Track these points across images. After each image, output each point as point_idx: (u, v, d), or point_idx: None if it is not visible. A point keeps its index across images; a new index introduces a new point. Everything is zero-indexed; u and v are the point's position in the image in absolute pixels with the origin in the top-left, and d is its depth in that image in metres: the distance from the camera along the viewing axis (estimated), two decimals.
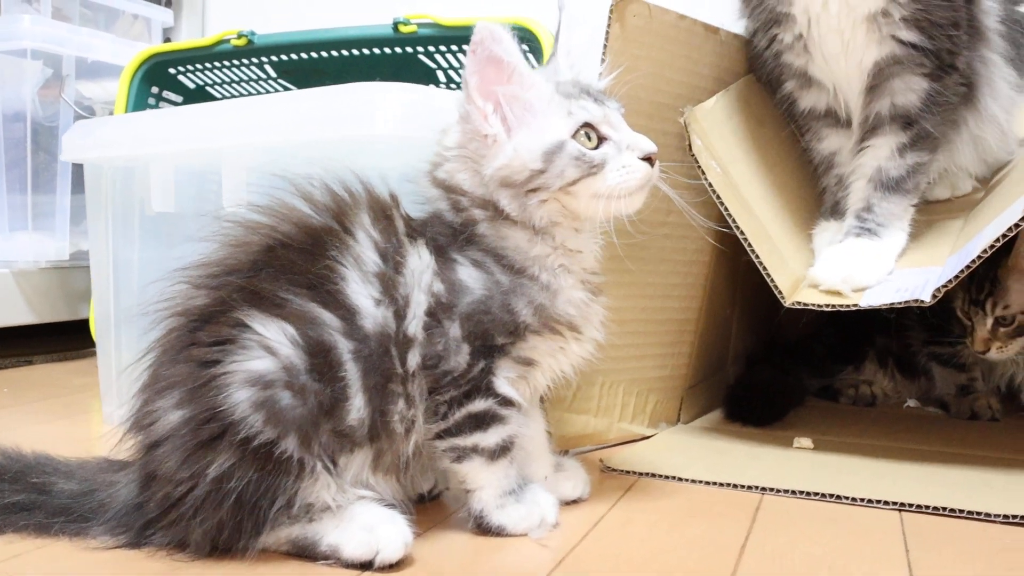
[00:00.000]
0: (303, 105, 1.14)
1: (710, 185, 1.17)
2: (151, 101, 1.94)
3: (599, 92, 0.96)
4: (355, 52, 1.83)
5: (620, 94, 1.16)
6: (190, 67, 1.94)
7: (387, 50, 1.80)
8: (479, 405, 0.90)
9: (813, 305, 1.14)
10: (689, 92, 1.27)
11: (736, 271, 1.49)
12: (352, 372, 0.86)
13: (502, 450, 0.92)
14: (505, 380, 0.92)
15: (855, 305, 1.12)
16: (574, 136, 0.91)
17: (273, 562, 0.86)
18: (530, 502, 0.94)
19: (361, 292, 0.87)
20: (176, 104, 1.99)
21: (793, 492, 1.07)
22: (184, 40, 2.25)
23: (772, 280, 1.15)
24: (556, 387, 1.22)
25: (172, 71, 1.95)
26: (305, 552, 0.86)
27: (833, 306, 1.13)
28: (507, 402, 0.92)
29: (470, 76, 0.90)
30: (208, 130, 1.18)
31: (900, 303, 1.08)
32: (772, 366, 1.48)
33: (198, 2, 2.34)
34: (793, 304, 1.15)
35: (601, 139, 0.92)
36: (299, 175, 0.94)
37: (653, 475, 1.15)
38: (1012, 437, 1.35)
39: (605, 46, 1.16)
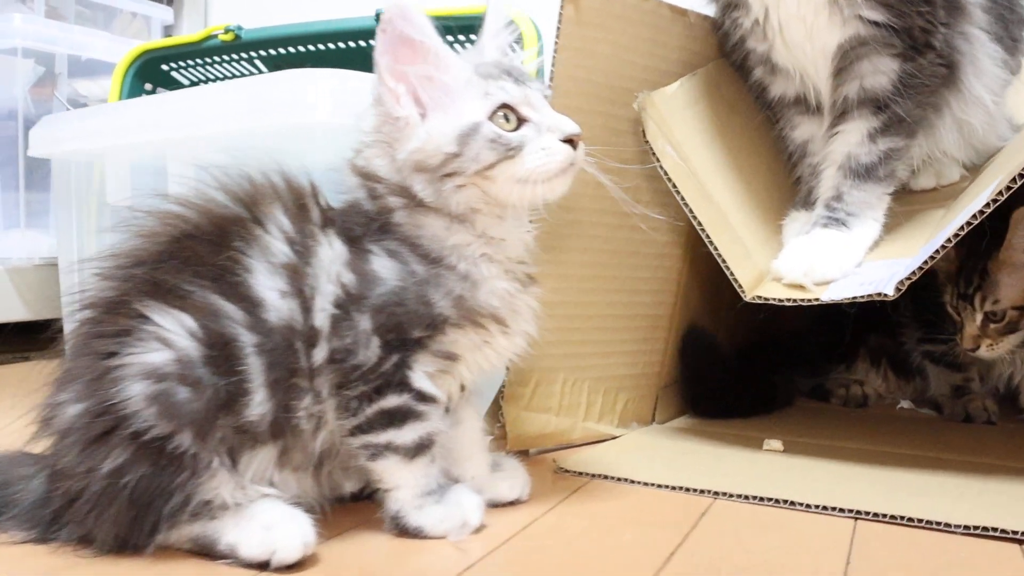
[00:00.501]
0: (242, 95, 1.11)
1: (665, 172, 1.11)
2: None
3: (522, 73, 0.91)
4: (341, 45, 1.80)
5: (575, 79, 1.11)
6: (182, 63, 1.93)
7: (370, 42, 1.77)
8: (392, 401, 0.86)
9: (773, 300, 1.08)
10: (655, 77, 1.22)
11: (716, 265, 1.43)
12: (254, 366, 0.82)
13: (420, 448, 0.88)
14: (423, 374, 0.87)
15: (816, 300, 1.05)
16: (491, 118, 0.86)
17: (176, 560, 0.83)
18: (452, 503, 0.89)
19: (267, 284, 0.84)
20: None
21: (745, 497, 1.01)
22: None
23: (731, 273, 1.09)
24: (512, 384, 1.18)
25: (165, 67, 1.95)
26: (206, 550, 0.82)
27: (794, 300, 1.07)
28: (425, 397, 0.87)
29: (380, 56, 0.86)
30: (155, 122, 1.16)
31: (863, 297, 1.02)
32: (751, 362, 1.41)
33: (200, 1, 2.34)
34: (753, 299, 1.09)
35: (521, 121, 0.88)
36: (225, 165, 0.91)
37: (606, 477, 1.10)
38: (1004, 442, 1.27)
39: (558, 29, 1.11)
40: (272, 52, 1.87)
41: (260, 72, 1.94)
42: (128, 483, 0.79)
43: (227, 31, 1.82)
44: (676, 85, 1.19)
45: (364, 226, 0.88)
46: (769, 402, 1.40)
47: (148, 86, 1.94)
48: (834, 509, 0.96)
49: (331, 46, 1.81)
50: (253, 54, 1.89)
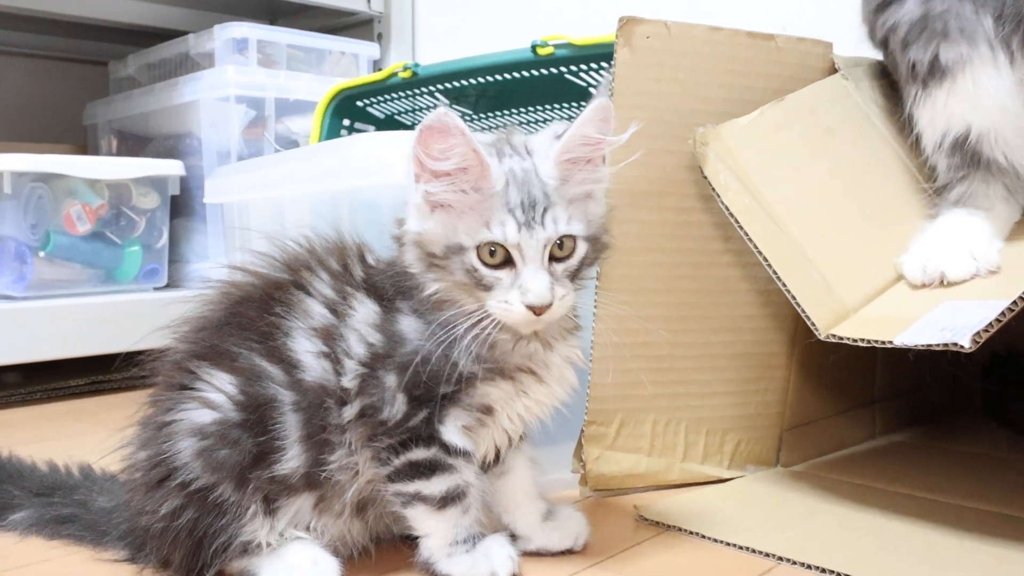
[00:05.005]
0: (330, 157, 1.20)
1: (726, 207, 1.06)
2: (343, 132, 2.11)
3: (543, 209, 0.87)
4: (507, 76, 1.86)
5: (639, 121, 1.09)
6: (372, 99, 2.08)
7: (530, 72, 1.81)
8: (420, 454, 0.90)
9: (848, 339, 0.99)
10: (737, 108, 1.14)
11: None
12: (290, 422, 0.90)
13: (449, 499, 0.91)
14: (455, 428, 0.91)
15: (889, 342, 0.95)
16: (478, 248, 0.87)
17: None
18: (481, 554, 0.92)
19: (303, 347, 0.91)
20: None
21: (808, 566, 0.95)
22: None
23: (803, 310, 1.02)
24: (593, 424, 1.18)
25: (359, 104, 2.11)
26: None
27: (868, 342, 0.97)
28: (454, 451, 0.91)
29: (413, 146, 0.87)
30: (272, 181, 1.29)
31: (938, 345, 0.91)
32: None
33: (407, 35, 2.49)
34: (828, 337, 1.01)
35: (507, 260, 0.88)
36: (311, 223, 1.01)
37: (680, 529, 1.07)
38: None
39: (613, 73, 1.10)
40: (447, 85, 1.97)
41: (439, 103, 2.05)
42: (183, 524, 0.90)
43: (405, 69, 1.93)
44: (754, 115, 1.12)
45: (394, 285, 0.93)
46: None
47: (346, 122, 2.11)
48: None
49: (496, 78, 1.88)
50: (432, 88, 1.99)
